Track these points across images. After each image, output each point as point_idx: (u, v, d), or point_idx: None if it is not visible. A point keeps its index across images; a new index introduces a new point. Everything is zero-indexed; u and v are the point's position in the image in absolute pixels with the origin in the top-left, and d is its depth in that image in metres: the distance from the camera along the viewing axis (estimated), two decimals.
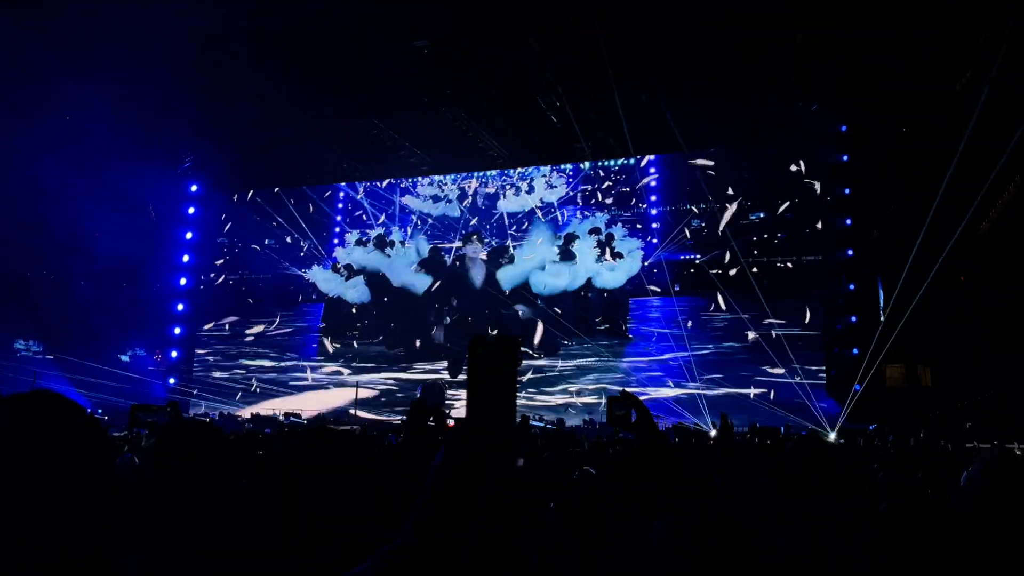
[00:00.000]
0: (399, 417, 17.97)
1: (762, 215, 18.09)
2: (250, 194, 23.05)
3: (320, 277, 22.06)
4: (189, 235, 23.23)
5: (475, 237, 20.57)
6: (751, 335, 17.36)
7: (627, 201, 19.64)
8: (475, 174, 21.26)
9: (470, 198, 21.27)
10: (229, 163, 21.54)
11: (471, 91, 16.80)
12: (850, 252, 16.51)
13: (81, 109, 17.58)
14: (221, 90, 17.03)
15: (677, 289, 18.56)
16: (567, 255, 19.60)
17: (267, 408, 19.94)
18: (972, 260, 14.34)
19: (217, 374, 22.21)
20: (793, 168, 17.72)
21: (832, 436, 13.96)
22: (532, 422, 12.01)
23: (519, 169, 20.72)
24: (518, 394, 1.13)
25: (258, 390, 20.80)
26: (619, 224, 19.51)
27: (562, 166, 20.37)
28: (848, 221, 16.68)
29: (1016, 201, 13.77)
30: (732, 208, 18.02)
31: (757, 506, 2.45)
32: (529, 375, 18.63)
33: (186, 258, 23.04)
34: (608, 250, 19.28)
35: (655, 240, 19.00)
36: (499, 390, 1.09)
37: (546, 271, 19.59)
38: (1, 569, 1.02)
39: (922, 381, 15.19)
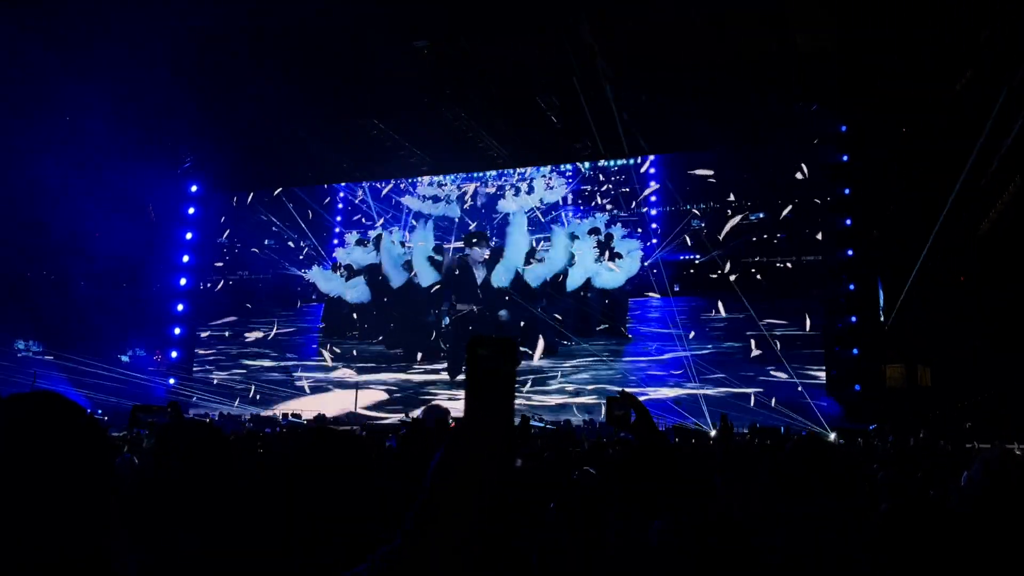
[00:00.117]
0: (399, 415, 17.98)
1: (762, 215, 18.08)
2: (250, 198, 23.04)
3: (320, 277, 22.06)
4: (189, 235, 23.23)
5: (476, 238, 20.56)
6: (751, 335, 17.36)
7: (627, 201, 19.63)
8: (475, 175, 21.26)
9: (470, 199, 21.26)
10: (229, 163, 21.54)
11: (471, 91, 16.80)
12: (850, 252, 16.51)
13: (81, 109, 17.58)
14: (221, 90, 17.04)
15: (677, 289, 18.55)
16: (554, 246, 19.69)
17: (267, 409, 19.96)
18: (972, 260, 14.35)
19: (217, 375, 22.21)
20: (799, 176, 17.68)
21: (832, 436, 13.96)
22: (532, 422, 12.02)
23: (519, 170, 20.70)
24: (517, 395, 1.13)
25: (258, 397, 20.78)
26: (618, 224, 19.50)
27: (562, 167, 20.36)
28: (848, 221, 16.69)
29: (1016, 201, 13.77)
30: (735, 220, 18.00)
31: (757, 506, 2.45)
32: (530, 376, 18.63)
33: (186, 258, 23.04)
34: (607, 250, 19.28)
35: (655, 240, 18.99)
36: (498, 390, 1.09)
37: (533, 264, 19.67)
38: (1, 569, 1.02)
39: (922, 381, 15.19)
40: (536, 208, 20.28)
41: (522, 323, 19.39)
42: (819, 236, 17.45)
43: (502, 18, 14.26)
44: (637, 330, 18.77)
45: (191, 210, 23.33)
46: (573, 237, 19.69)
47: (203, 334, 22.77)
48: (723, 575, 2.15)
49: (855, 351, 15.99)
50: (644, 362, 18.32)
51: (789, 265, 17.72)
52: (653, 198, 19.38)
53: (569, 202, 20.14)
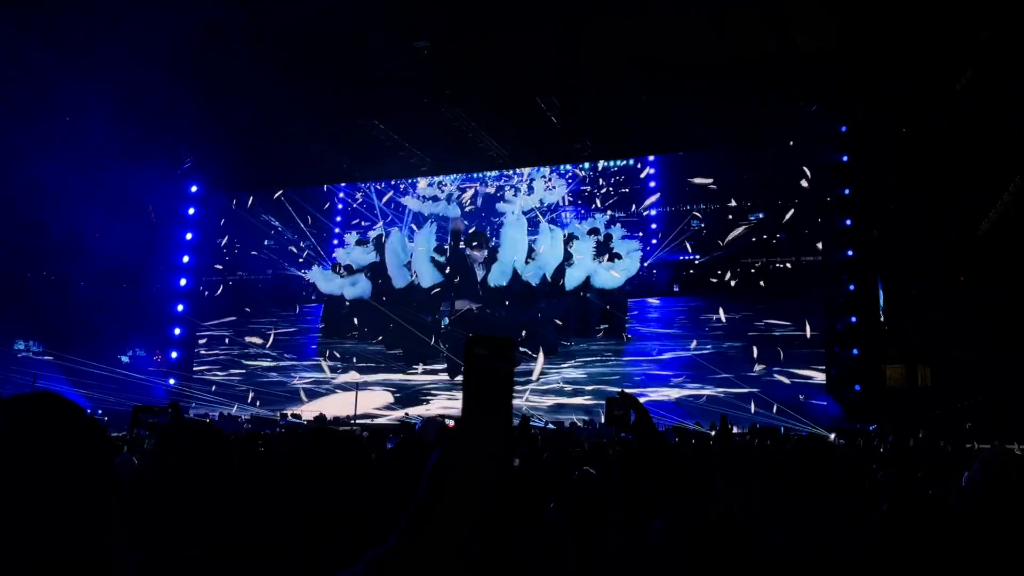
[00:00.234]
0: (398, 415, 17.98)
1: (761, 215, 18.08)
2: (250, 201, 23.03)
3: (320, 277, 22.06)
4: (189, 236, 23.23)
5: (476, 239, 20.56)
6: (751, 335, 17.35)
7: (626, 202, 19.62)
8: (475, 176, 21.25)
9: (469, 200, 21.26)
10: (229, 163, 21.54)
11: (471, 91, 16.80)
12: (850, 252, 16.51)
13: (81, 109, 17.57)
14: (221, 90, 17.04)
15: (676, 289, 18.55)
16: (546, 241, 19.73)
17: (267, 410, 19.95)
18: (972, 260, 14.35)
19: (217, 375, 22.21)
20: (804, 184, 17.65)
21: (832, 436, 13.96)
22: (533, 422, 12.01)
23: (519, 170, 20.70)
24: (516, 395, 1.13)
25: (258, 403, 20.76)
26: (618, 225, 19.50)
27: (562, 167, 20.35)
28: (848, 221, 16.68)
29: (1016, 201, 13.78)
30: (739, 230, 17.97)
31: (757, 506, 2.45)
32: (529, 378, 18.64)
33: (186, 259, 23.03)
34: (607, 251, 19.28)
35: (655, 241, 18.99)
36: (496, 390, 1.09)
37: (532, 264, 19.69)
38: (1, 569, 1.02)
39: (922, 381, 15.19)
40: (536, 208, 20.27)
41: (522, 325, 19.38)
42: (819, 238, 17.44)
43: (502, 18, 14.25)
44: (637, 331, 18.77)
45: (191, 210, 23.32)
46: (572, 237, 19.69)
47: (202, 334, 22.77)
48: (723, 575, 2.16)
49: (855, 351, 15.98)
50: (644, 363, 18.32)
51: (789, 265, 17.72)
52: (653, 198, 19.38)
53: (569, 202, 20.14)
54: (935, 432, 12.03)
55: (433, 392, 19.76)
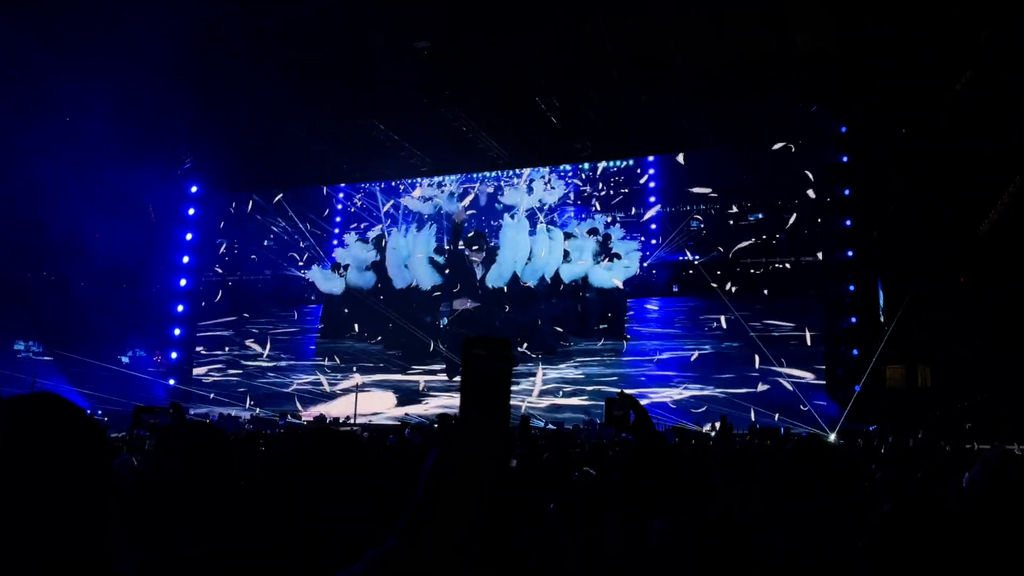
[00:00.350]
0: (398, 413, 17.98)
1: (761, 215, 18.08)
2: (250, 205, 23.02)
3: (319, 277, 22.07)
4: (189, 236, 23.23)
5: (476, 240, 20.56)
6: (750, 336, 17.34)
7: (626, 202, 19.62)
8: (475, 176, 21.25)
9: (470, 201, 21.25)
10: (229, 164, 21.54)
11: (471, 91, 16.80)
12: (850, 252, 16.51)
13: (81, 109, 17.57)
14: (221, 90, 17.04)
15: (676, 290, 18.54)
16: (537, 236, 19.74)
17: (267, 410, 19.95)
18: (972, 260, 14.35)
19: (216, 376, 22.21)
20: (811, 193, 17.62)
21: (832, 437, 13.96)
22: (533, 422, 12.01)
23: (518, 170, 20.70)
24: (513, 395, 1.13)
25: (258, 409, 20.74)
26: (617, 225, 19.50)
27: (561, 167, 20.35)
28: (848, 221, 16.68)
29: (1016, 201, 13.78)
30: (744, 244, 17.95)
31: (757, 506, 2.45)
32: (528, 378, 18.63)
33: (186, 259, 23.03)
34: (606, 251, 19.28)
35: (654, 241, 18.98)
36: (494, 390, 1.09)
37: (531, 264, 19.70)
38: (1, 569, 1.02)
39: (922, 382, 15.19)
40: (535, 208, 20.27)
41: (521, 325, 19.38)
42: (819, 238, 17.44)
43: (502, 18, 14.26)
44: (636, 331, 18.77)
45: (191, 211, 23.32)
46: (570, 237, 19.68)
47: (202, 335, 22.76)
48: (723, 575, 2.16)
49: (855, 351, 15.98)
50: (643, 363, 18.31)
51: (788, 266, 17.71)
52: (652, 198, 19.37)
53: (568, 203, 20.13)
54: (935, 432, 12.02)
55: (433, 392, 19.76)
